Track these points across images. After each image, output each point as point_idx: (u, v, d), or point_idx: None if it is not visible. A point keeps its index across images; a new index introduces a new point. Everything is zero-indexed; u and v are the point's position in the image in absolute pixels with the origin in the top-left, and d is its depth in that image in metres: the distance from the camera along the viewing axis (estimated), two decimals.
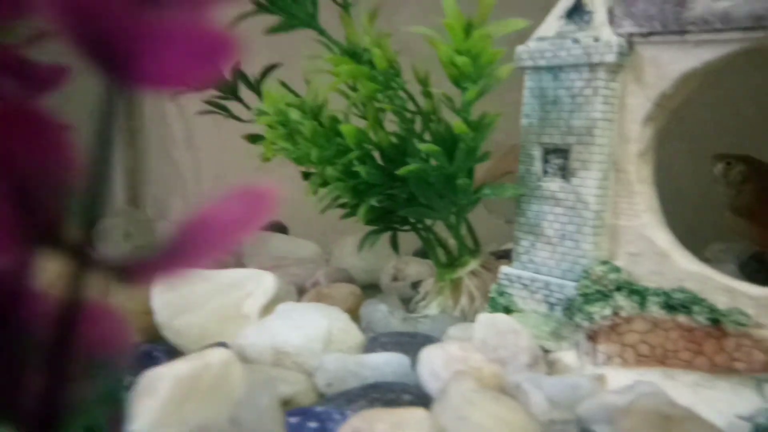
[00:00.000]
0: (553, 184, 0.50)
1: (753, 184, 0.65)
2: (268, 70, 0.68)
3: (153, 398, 0.31)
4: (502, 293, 0.54)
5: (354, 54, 0.53)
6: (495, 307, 0.53)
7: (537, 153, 0.51)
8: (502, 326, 0.45)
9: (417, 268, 0.71)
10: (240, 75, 0.68)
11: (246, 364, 0.41)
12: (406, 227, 0.61)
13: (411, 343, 0.44)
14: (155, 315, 0.47)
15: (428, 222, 0.61)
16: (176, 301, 0.47)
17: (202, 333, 0.46)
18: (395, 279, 0.73)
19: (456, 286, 0.59)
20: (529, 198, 0.52)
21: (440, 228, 0.60)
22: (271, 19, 0.57)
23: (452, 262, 0.60)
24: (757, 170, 0.65)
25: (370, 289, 0.74)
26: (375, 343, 0.46)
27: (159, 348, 0.40)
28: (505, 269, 0.54)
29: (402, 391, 0.38)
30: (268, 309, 0.51)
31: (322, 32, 0.55)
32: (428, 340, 0.44)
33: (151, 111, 0.92)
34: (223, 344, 0.45)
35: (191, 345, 0.42)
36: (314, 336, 0.43)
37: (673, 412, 0.34)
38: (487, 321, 0.45)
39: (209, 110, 0.67)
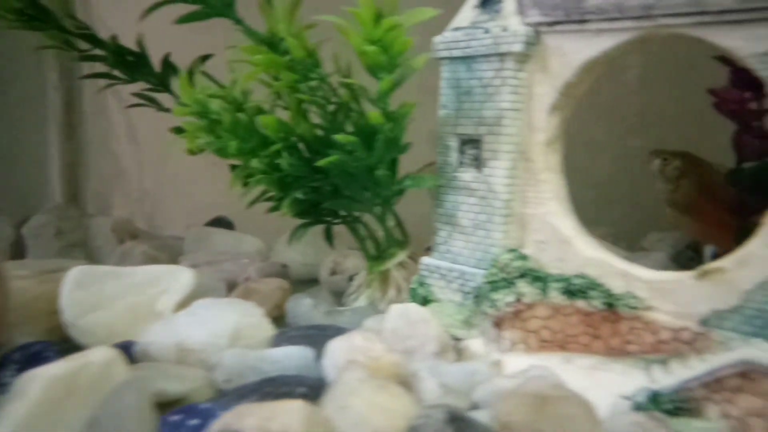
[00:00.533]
0: (467, 175, 0.53)
1: (689, 180, 0.67)
2: (199, 60, 0.70)
3: (22, 400, 0.33)
4: (422, 284, 0.56)
5: (272, 44, 0.55)
6: (415, 297, 0.56)
7: (453, 144, 0.54)
8: (413, 316, 0.47)
9: (355, 262, 0.73)
10: (169, 66, 0.70)
11: (137, 363, 0.43)
12: (337, 220, 0.63)
13: (321, 336, 0.46)
14: (62, 314, 0.48)
15: (358, 214, 0.63)
16: (85, 299, 0.49)
17: (109, 332, 0.48)
18: (334, 273, 0.75)
19: (384, 278, 0.62)
20: (446, 189, 0.54)
21: (374, 221, 0.62)
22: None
23: (381, 255, 0.62)
24: (692, 166, 0.67)
25: (310, 283, 0.76)
26: (283, 337, 0.48)
27: (53, 348, 0.42)
28: (425, 260, 0.56)
29: (298, 384, 0.40)
30: (185, 306, 0.52)
31: (238, 21, 0.57)
32: (340, 332, 0.46)
33: (91, 104, 0.94)
34: (129, 343, 0.46)
35: (97, 344, 0.44)
36: (220, 332, 0.45)
37: (551, 394, 0.36)
38: (398, 311, 0.48)
39: (139, 103, 0.69)
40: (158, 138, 0.76)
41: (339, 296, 0.67)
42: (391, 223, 0.62)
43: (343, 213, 0.62)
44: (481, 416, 0.37)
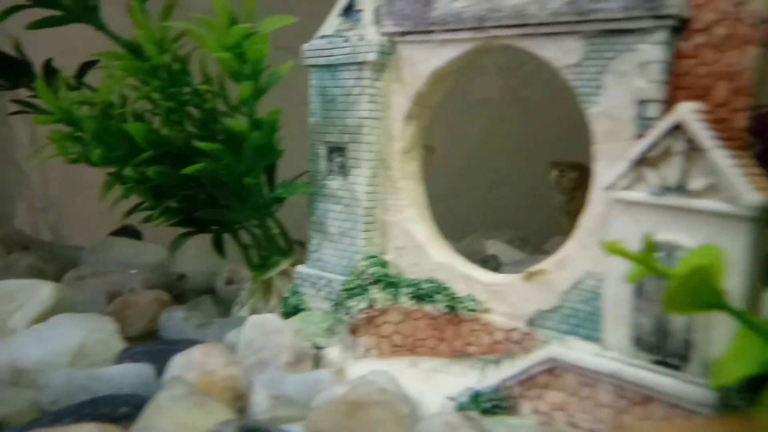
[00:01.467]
0: (335, 183, 0.57)
1: (584, 191, 0.73)
2: (86, 66, 0.73)
3: None
4: (295, 292, 0.60)
5: (137, 50, 0.58)
6: (287, 306, 0.60)
7: (322, 151, 0.58)
8: (268, 327, 0.51)
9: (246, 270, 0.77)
10: (51, 71, 0.73)
11: None
12: (218, 229, 0.67)
13: (169, 351, 0.49)
14: None
15: (246, 223, 0.66)
16: None
17: None
18: (230, 282, 0.78)
19: (267, 287, 0.65)
20: (317, 196, 0.59)
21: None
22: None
23: (264, 264, 0.66)
24: (588, 177, 0.73)
25: (208, 293, 0.79)
26: (127, 354, 0.52)
27: None
28: (299, 268, 0.61)
29: (123, 404, 0.42)
30: (40, 319, 0.55)
31: (100, 27, 0.61)
32: (192, 346, 0.49)
33: None
34: None
35: None
36: (61, 350, 0.49)
37: (366, 400, 0.40)
38: (254, 323, 0.52)
39: (20, 110, 0.72)
40: None
41: (231, 306, 0.71)
42: (275, 230, 0.66)
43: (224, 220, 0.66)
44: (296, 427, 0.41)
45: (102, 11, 0.63)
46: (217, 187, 0.60)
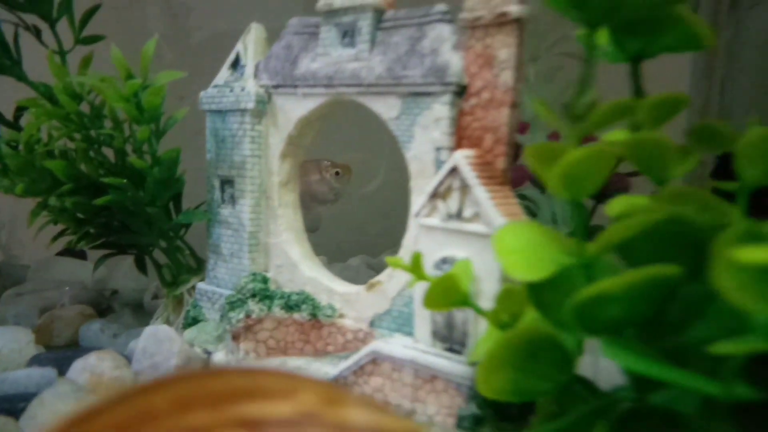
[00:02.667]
0: (226, 210, 0.69)
1: None
2: (20, 110, 0.85)
3: None
4: (195, 306, 0.72)
5: (52, 98, 0.70)
6: (188, 318, 0.71)
7: (216, 183, 0.70)
8: (160, 336, 0.63)
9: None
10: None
11: None
12: (134, 251, 0.78)
13: (73, 358, 0.61)
14: None
15: (158, 246, 0.78)
16: None
17: None
18: (155, 297, 0.90)
19: (179, 301, 0.77)
20: (213, 222, 0.70)
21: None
22: None
23: (175, 281, 0.77)
24: None
25: (138, 306, 0.91)
26: (35, 359, 0.63)
27: None
28: (199, 285, 0.72)
29: (22, 400, 0.54)
30: None
31: (21, 78, 0.73)
32: (96, 350, 0.60)
33: None
34: None
35: None
36: None
37: None
38: (148, 332, 0.63)
39: None
40: None
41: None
42: (186, 252, 0.77)
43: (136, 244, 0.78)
44: None
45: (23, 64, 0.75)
46: (126, 215, 0.72)
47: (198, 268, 0.78)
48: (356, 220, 1.16)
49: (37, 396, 0.51)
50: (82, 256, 1.10)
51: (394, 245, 0.99)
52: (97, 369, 0.56)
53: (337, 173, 0.82)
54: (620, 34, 0.42)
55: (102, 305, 0.87)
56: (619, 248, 0.41)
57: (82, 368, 0.57)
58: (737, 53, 1.09)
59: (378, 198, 1.13)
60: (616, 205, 0.42)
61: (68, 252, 1.10)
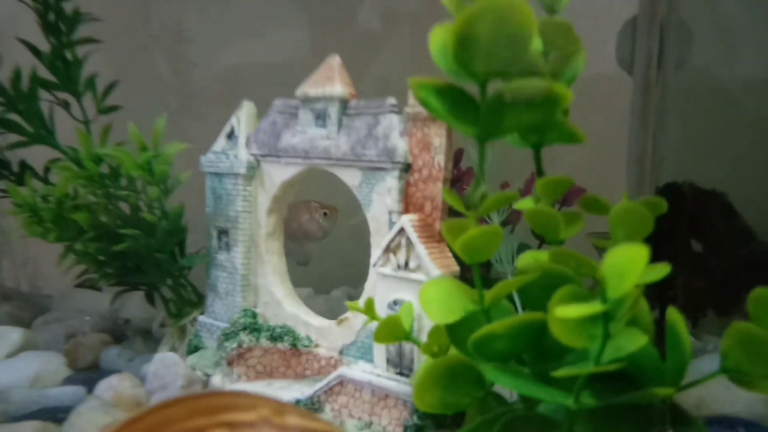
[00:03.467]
0: (222, 256, 0.80)
1: None
2: (51, 162, 0.96)
3: None
4: (196, 335, 0.83)
5: (78, 161, 0.82)
6: (190, 346, 0.82)
7: (214, 233, 0.81)
8: (168, 361, 0.74)
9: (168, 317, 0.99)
10: (25, 167, 0.96)
11: None
12: (145, 288, 0.90)
13: (98, 379, 0.72)
14: None
15: (169, 283, 0.89)
16: None
17: None
18: (162, 325, 1.00)
19: (182, 331, 0.88)
20: (211, 265, 0.82)
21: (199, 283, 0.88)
22: None
23: (179, 313, 0.88)
24: None
25: (146, 333, 1.02)
26: (69, 380, 0.74)
27: None
28: (199, 318, 0.84)
29: (62, 411, 0.65)
30: (12, 355, 0.78)
31: (54, 146, 0.84)
32: (116, 373, 0.72)
33: None
34: None
35: None
36: (23, 376, 0.72)
37: None
38: (158, 359, 0.75)
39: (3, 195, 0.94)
40: None
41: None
42: (188, 288, 0.89)
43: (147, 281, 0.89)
44: None
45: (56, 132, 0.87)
46: (139, 258, 0.83)
47: (198, 302, 0.90)
48: (339, 254, 1.27)
49: (75, 409, 0.62)
50: (97, 288, 1.21)
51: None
52: (118, 388, 0.68)
53: (325, 213, 0.94)
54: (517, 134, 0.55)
55: (117, 332, 0.98)
56: (519, 292, 0.53)
57: (107, 387, 0.68)
58: (666, 108, 1.22)
59: (359, 234, 1.25)
60: (522, 259, 0.54)
61: (85, 284, 1.21)
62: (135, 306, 1.09)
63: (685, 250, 0.99)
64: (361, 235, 1.22)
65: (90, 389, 0.70)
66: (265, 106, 0.79)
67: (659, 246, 0.58)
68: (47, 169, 0.97)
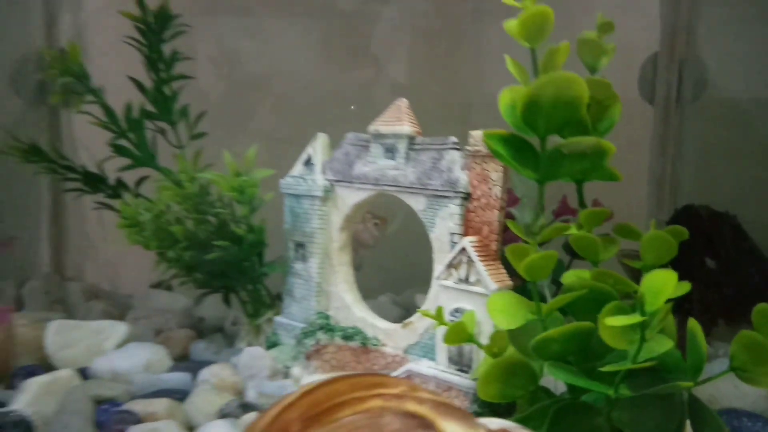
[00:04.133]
0: (299, 265, 0.92)
1: None
2: (140, 181, 1.08)
3: (25, 394, 0.70)
4: (274, 333, 0.94)
5: (178, 182, 0.94)
6: (269, 342, 0.94)
7: (292, 246, 0.93)
8: (255, 354, 0.85)
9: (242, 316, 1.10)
10: (120, 184, 1.08)
11: (88, 379, 0.80)
12: (226, 290, 1.01)
13: (199, 366, 0.83)
14: (46, 349, 0.85)
15: (249, 287, 1.00)
16: (60, 341, 0.86)
17: (74, 361, 0.85)
18: (234, 324, 1.12)
19: (258, 329, 0.99)
20: (289, 274, 0.93)
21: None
22: None
23: (255, 313, 1.00)
24: None
25: (219, 330, 1.13)
26: (175, 367, 0.86)
27: (41, 369, 0.79)
28: (276, 318, 0.95)
29: (177, 393, 0.77)
30: (121, 346, 0.90)
31: (156, 168, 0.96)
32: (212, 363, 0.83)
33: (73, 203, 1.31)
34: (85, 368, 0.83)
35: (66, 368, 0.80)
36: (137, 363, 0.83)
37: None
38: (247, 351, 0.86)
39: (99, 207, 1.06)
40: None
41: (234, 341, 1.04)
42: (264, 292, 1.00)
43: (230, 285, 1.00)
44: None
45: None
46: (226, 266, 0.94)
47: (271, 304, 1.01)
48: (381, 263, 1.38)
49: (192, 390, 0.75)
50: (169, 288, 1.33)
51: (413, 285, 1.21)
52: (220, 375, 0.79)
53: (376, 224, 1.04)
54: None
55: (195, 329, 1.09)
56: (567, 306, 0.63)
57: (210, 374, 0.80)
58: (684, 136, 1.31)
59: (399, 246, 1.35)
60: (567, 277, 0.65)
61: (159, 285, 1.33)
62: (207, 306, 1.21)
63: (700, 266, 1.08)
64: (397, 246, 1.32)
65: (194, 375, 0.82)
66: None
67: (678, 262, 0.68)
68: (138, 186, 1.09)
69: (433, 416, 0.39)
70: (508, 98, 0.60)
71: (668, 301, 0.53)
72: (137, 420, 0.67)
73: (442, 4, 1.37)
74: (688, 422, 0.59)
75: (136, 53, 0.99)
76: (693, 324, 0.58)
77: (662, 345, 0.52)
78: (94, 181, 1.06)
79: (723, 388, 0.74)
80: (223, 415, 0.71)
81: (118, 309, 1.15)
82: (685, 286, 0.57)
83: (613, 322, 0.48)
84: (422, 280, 0.89)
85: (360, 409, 0.39)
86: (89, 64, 1.01)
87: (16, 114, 1.24)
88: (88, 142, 1.23)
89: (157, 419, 0.67)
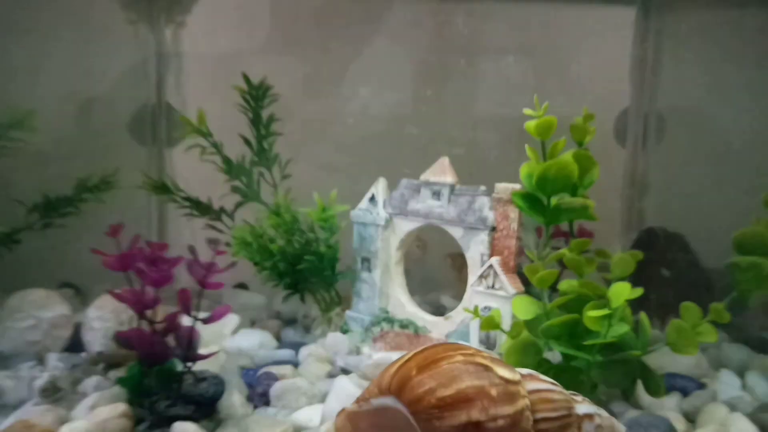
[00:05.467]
0: (365, 275, 1.19)
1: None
2: (237, 207, 1.35)
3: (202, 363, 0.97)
4: (346, 323, 1.21)
5: (277, 212, 1.21)
6: (342, 329, 1.21)
7: (359, 260, 1.20)
8: (337, 338, 1.13)
9: (317, 312, 1.38)
10: (222, 210, 1.35)
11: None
12: (306, 291, 1.28)
13: (297, 345, 1.11)
14: None
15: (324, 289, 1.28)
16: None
17: (208, 344, 1.12)
18: (306, 317, 1.39)
19: (329, 320, 1.26)
20: (357, 281, 1.20)
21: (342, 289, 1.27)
22: None
23: (327, 308, 1.27)
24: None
25: (293, 322, 1.40)
26: (280, 346, 1.13)
27: None
28: (348, 312, 1.22)
29: (288, 362, 1.04)
30: (235, 332, 1.17)
31: (260, 202, 1.24)
32: (303, 345, 1.11)
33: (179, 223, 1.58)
34: (216, 351, 1.10)
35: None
36: (254, 343, 1.11)
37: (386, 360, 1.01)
38: (331, 336, 1.13)
39: (209, 227, 1.33)
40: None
41: (308, 329, 1.31)
42: (333, 292, 1.27)
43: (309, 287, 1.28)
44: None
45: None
46: (309, 274, 1.22)
47: (339, 302, 1.28)
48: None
49: (300, 362, 1.02)
50: (244, 287, 1.59)
51: (436, 289, 1.48)
52: (317, 352, 1.07)
53: (417, 246, 1.32)
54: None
55: (278, 320, 1.36)
56: (561, 306, 0.91)
57: (309, 351, 1.07)
58: (648, 172, 1.60)
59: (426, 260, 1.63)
60: (562, 285, 0.92)
61: (239, 285, 1.59)
62: (280, 302, 1.48)
63: (657, 274, 1.36)
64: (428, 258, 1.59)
65: (296, 352, 1.09)
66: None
67: (641, 271, 0.96)
68: (234, 211, 1.36)
69: (491, 365, 0.67)
70: (526, 170, 0.88)
71: (627, 301, 0.81)
72: (275, 378, 0.94)
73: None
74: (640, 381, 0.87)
75: (223, 107, 1.26)
76: (643, 317, 0.86)
77: (622, 328, 0.80)
78: (202, 208, 1.33)
79: (667, 359, 1.02)
80: (331, 375, 0.98)
81: (217, 304, 1.42)
82: (638, 291, 0.85)
83: (592, 314, 0.76)
84: (440, 285, 1.16)
85: (452, 361, 0.67)
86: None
87: (132, 154, 1.51)
88: (187, 176, 1.50)
89: (287, 378, 0.94)
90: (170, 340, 0.82)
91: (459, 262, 1.33)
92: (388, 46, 1.57)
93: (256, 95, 1.25)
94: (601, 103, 1.63)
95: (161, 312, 0.85)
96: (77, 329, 1.03)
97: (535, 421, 0.67)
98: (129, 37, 1.51)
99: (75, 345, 1.02)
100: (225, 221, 1.31)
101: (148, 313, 0.82)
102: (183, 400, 0.77)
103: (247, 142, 1.25)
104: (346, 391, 0.85)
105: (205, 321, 0.86)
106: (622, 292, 0.79)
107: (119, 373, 0.92)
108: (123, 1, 1.54)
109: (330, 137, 1.56)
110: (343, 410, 0.71)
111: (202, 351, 0.99)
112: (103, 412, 0.77)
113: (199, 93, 1.53)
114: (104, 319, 0.99)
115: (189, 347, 0.82)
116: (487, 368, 0.67)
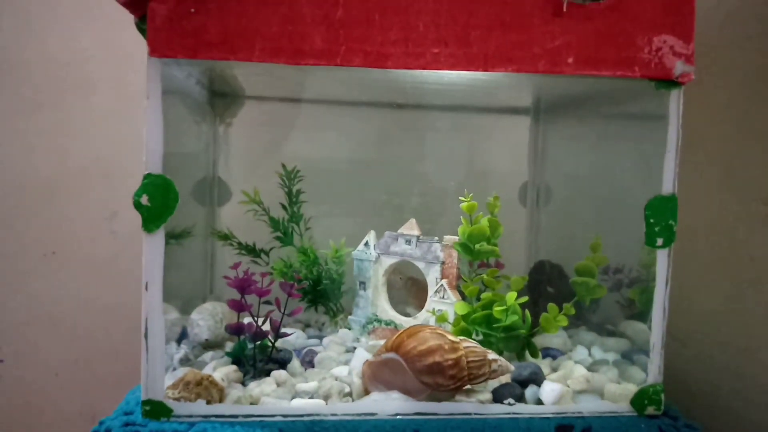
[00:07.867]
0: (362, 292, 1.66)
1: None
2: (271, 249, 1.80)
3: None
4: (348, 324, 1.67)
5: (304, 252, 1.67)
6: (346, 327, 1.67)
7: (357, 282, 1.67)
8: (345, 333, 1.58)
9: (325, 318, 1.83)
10: (263, 250, 1.79)
11: None
12: (320, 304, 1.73)
13: (321, 337, 1.56)
14: None
15: (333, 302, 1.73)
16: None
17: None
18: (316, 321, 1.83)
19: (336, 323, 1.72)
20: (356, 295, 1.67)
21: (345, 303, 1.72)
22: None
23: (335, 315, 1.72)
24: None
25: (308, 326, 1.84)
26: (308, 338, 1.58)
27: None
28: (350, 317, 1.68)
29: (316, 346, 1.49)
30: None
31: (293, 246, 1.70)
32: (324, 336, 1.55)
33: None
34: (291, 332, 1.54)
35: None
36: (291, 335, 1.55)
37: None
38: (341, 332, 1.59)
39: (252, 263, 1.77)
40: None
41: (320, 329, 1.76)
42: (339, 304, 1.73)
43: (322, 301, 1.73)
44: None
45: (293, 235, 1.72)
46: (325, 292, 1.67)
47: (342, 310, 1.73)
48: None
49: (325, 347, 1.46)
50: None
51: (403, 303, 1.94)
52: (333, 339, 1.51)
53: (400, 278, 1.80)
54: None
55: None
56: (482, 307, 1.41)
57: (328, 340, 1.52)
58: (541, 223, 2.15)
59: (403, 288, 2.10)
60: (485, 296, 1.42)
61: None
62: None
63: (545, 291, 1.89)
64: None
65: (320, 341, 1.54)
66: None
67: (535, 289, 1.48)
68: (269, 252, 1.81)
69: (444, 333, 1.15)
70: (462, 229, 1.38)
71: (525, 305, 1.31)
72: (315, 353, 1.38)
73: None
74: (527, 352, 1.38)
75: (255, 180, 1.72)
76: (528, 315, 1.37)
77: (514, 317, 1.30)
78: (249, 250, 1.77)
79: (546, 340, 1.53)
80: (347, 351, 1.43)
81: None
82: (524, 299, 1.35)
83: (497, 310, 1.26)
84: (407, 302, 1.63)
85: (424, 332, 1.14)
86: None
87: (195, 211, 1.94)
88: (230, 226, 1.93)
89: (323, 353, 1.39)
90: (265, 326, 1.27)
91: (414, 288, 1.81)
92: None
93: (289, 176, 1.72)
94: (509, 178, 2.19)
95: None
96: (183, 327, 1.44)
97: (468, 361, 1.15)
98: (196, 131, 1.98)
99: (182, 337, 1.43)
100: (263, 259, 1.75)
101: (251, 311, 1.27)
102: (272, 361, 1.21)
103: (284, 207, 1.71)
104: (362, 355, 1.31)
105: (290, 314, 1.30)
106: (512, 297, 1.29)
107: (220, 352, 1.34)
108: (192, 108, 2.02)
109: (340, 203, 2.06)
110: (366, 361, 1.18)
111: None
112: (224, 369, 1.20)
113: (240, 170, 1.98)
114: (205, 319, 1.41)
115: (277, 331, 1.26)
116: (442, 335, 1.16)
